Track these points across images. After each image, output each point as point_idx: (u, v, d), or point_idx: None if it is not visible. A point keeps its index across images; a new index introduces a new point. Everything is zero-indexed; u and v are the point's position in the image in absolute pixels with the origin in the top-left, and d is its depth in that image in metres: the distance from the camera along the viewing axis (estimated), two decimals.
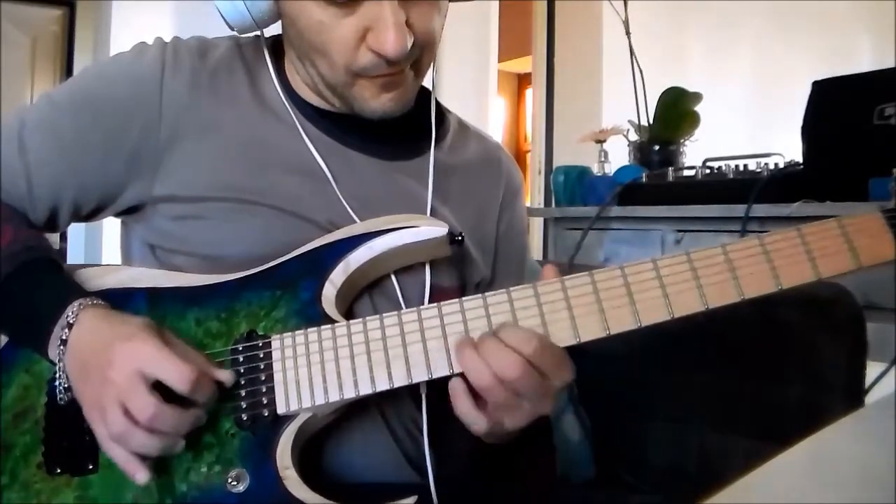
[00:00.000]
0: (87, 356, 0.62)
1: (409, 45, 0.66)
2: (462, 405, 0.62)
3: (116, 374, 0.59)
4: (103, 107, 0.72)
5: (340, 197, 0.73)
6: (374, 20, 0.65)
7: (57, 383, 0.64)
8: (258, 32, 0.76)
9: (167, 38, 0.76)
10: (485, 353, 0.60)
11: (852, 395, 0.92)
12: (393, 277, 0.72)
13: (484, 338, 0.61)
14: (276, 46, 0.79)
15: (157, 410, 0.58)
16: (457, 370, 0.62)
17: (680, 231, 1.58)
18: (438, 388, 0.64)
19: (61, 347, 0.63)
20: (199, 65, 0.74)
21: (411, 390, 0.67)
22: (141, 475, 0.60)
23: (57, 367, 0.64)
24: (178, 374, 0.58)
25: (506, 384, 0.59)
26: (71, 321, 0.63)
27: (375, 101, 0.71)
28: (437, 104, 0.84)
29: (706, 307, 0.61)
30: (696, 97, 1.82)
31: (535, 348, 0.59)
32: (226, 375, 0.63)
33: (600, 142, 1.97)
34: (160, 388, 0.59)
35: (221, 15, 0.72)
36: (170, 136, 0.72)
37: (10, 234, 0.68)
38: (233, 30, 0.74)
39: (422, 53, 0.70)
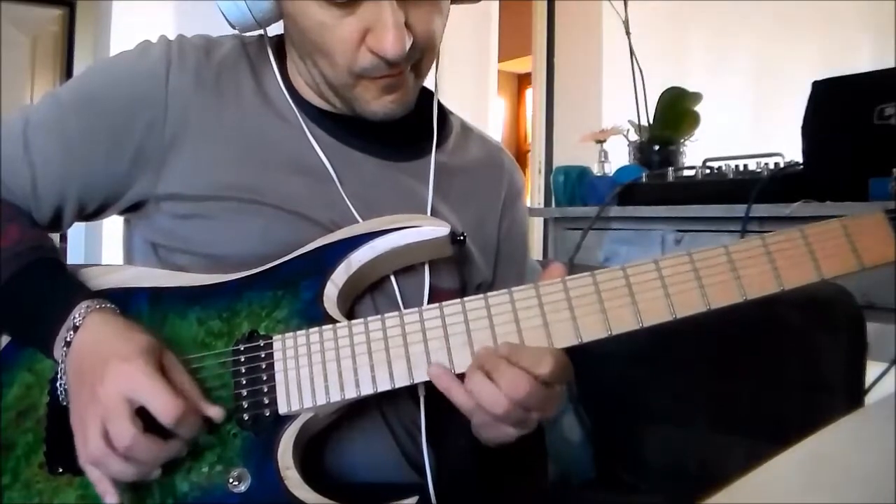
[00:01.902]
0: (84, 365, 0.61)
1: (408, 46, 0.66)
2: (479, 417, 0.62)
3: (104, 394, 0.58)
4: (108, 105, 0.72)
5: (344, 196, 0.73)
6: (374, 21, 0.65)
7: (59, 384, 0.64)
8: (262, 31, 0.76)
9: (169, 38, 0.76)
10: (499, 379, 0.59)
11: (852, 395, 0.92)
12: (392, 278, 0.72)
13: (496, 364, 0.60)
14: (280, 46, 0.79)
15: (134, 441, 0.57)
16: (463, 402, 0.61)
17: (680, 231, 1.58)
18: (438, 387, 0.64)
19: (65, 349, 0.63)
20: (205, 63, 0.74)
21: (411, 390, 0.67)
22: (110, 498, 0.60)
23: (59, 369, 0.64)
24: (164, 407, 0.58)
25: (519, 404, 0.60)
26: (77, 324, 0.63)
27: (376, 103, 0.71)
28: (440, 106, 0.84)
29: (708, 308, 0.61)
30: (696, 97, 1.82)
31: (550, 367, 0.59)
32: (215, 412, 0.62)
33: (600, 142, 1.97)
34: (146, 415, 0.59)
35: (223, 14, 0.72)
36: (174, 135, 0.72)
37: (17, 233, 0.68)
38: (234, 29, 0.74)
39: (422, 55, 0.70)
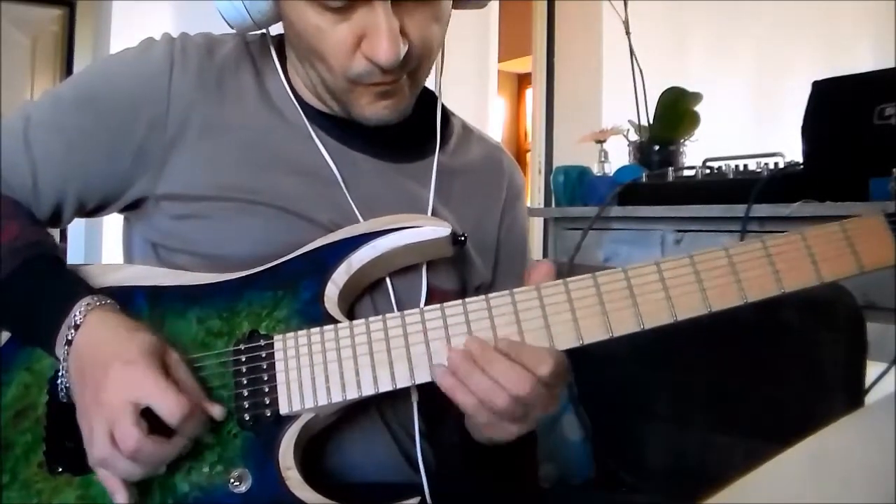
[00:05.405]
0: (86, 366, 0.61)
1: (403, 53, 0.65)
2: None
3: (109, 398, 0.59)
4: (109, 103, 0.72)
5: (349, 197, 0.72)
6: (368, 27, 0.64)
7: (59, 381, 0.64)
8: (264, 31, 0.76)
9: (172, 36, 0.76)
10: (497, 375, 0.59)
11: (852, 395, 0.92)
12: (388, 279, 0.71)
13: (493, 359, 0.60)
14: (282, 46, 0.78)
15: (139, 443, 0.57)
16: (455, 399, 0.61)
17: (680, 231, 1.58)
18: (436, 387, 0.64)
19: (66, 347, 0.63)
20: (207, 62, 0.74)
21: (411, 391, 0.67)
22: (120, 496, 0.60)
23: (60, 367, 0.64)
24: (169, 407, 0.58)
25: (520, 401, 0.59)
26: (78, 322, 0.63)
27: (371, 109, 0.71)
28: (443, 108, 0.83)
29: (709, 310, 0.61)
30: (696, 97, 1.82)
31: (551, 368, 0.59)
32: (217, 410, 0.62)
33: (600, 142, 1.97)
34: (149, 414, 0.59)
35: (221, 14, 0.71)
36: (176, 134, 0.72)
37: (16, 229, 0.68)
38: (233, 29, 0.73)
39: (419, 62, 0.69)
